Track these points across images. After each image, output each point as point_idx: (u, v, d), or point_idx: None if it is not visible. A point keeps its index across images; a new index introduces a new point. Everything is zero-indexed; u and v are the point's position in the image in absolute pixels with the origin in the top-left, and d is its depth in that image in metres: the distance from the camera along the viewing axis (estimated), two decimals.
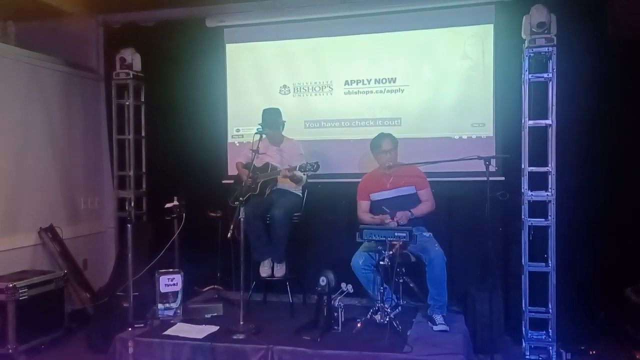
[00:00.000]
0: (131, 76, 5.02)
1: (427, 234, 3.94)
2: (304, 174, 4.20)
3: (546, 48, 3.83)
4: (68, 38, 5.20)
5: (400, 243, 3.53)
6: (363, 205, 4.16)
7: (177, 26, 5.12)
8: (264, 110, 4.36)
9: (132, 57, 5.03)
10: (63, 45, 5.14)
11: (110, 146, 5.29)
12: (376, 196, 4.10)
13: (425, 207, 4.02)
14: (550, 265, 3.90)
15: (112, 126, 5.19)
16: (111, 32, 5.36)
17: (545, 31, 3.82)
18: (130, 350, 3.10)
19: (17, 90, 4.52)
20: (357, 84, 4.79)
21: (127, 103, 5.12)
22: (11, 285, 3.83)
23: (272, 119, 4.30)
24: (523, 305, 3.95)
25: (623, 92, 4.08)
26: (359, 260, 3.84)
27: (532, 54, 3.88)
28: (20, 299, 3.87)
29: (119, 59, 5.03)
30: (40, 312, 4.05)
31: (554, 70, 3.85)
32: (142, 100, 5.21)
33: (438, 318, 3.72)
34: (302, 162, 4.06)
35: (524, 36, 3.91)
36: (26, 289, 3.93)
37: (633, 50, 4.01)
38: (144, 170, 5.25)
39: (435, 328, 3.67)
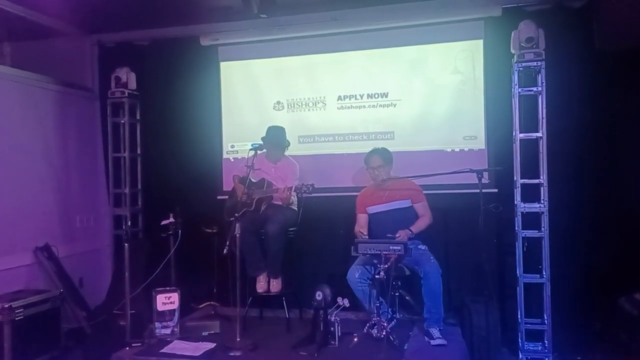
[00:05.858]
0: (126, 94, 5.07)
1: (422, 247, 3.96)
2: (297, 195, 4.19)
3: (535, 62, 3.90)
4: (63, 58, 5.24)
5: (395, 256, 3.56)
6: (360, 219, 4.17)
7: (171, 45, 5.18)
8: (269, 128, 4.35)
9: (127, 76, 5.08)
10: (58, 64, 5.17)
11: (105, 164, 5.31)
12: (372, 209, 4.13)
13: (423, 222, 4.01)
14: (544, 276, 3.93)
15: (108, 144, 5.22)
16: (106, 51, 5.42)
17: (534, 46, 3.89)
18: None
19: (12, 109, 4.54)
20: (350, 99, 4.85)
21: (122, 121, 5.16)
22: (7, 305, 3.80)
23: (277, 138, 4.30)
24: (519, 317, 3.98)
25: (611, 103, 4.14)
26: (354, 273, 3.85)
27: (521, 69, 3.95)
28: (17, 319, 3.85)
29: (114, 78, 5.09)
30: (37, 332, 4.04)
31: (544, 84, 3.92)
32: (138, 118, 5.25)
33: (435, 332, 3.70)
34: (297, 184, 4.01)
35: (513, 51, 3.97)
36: (22, 309, 3.93)
37: (620, 62, 4.07)
38: (139, 187, 5.28)
39: (432, 342, 3.64)
